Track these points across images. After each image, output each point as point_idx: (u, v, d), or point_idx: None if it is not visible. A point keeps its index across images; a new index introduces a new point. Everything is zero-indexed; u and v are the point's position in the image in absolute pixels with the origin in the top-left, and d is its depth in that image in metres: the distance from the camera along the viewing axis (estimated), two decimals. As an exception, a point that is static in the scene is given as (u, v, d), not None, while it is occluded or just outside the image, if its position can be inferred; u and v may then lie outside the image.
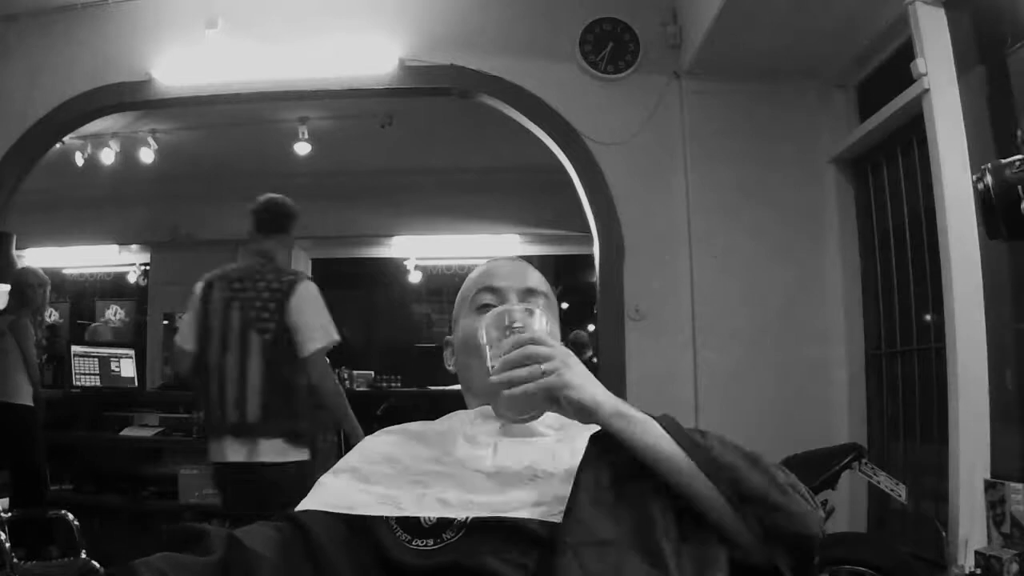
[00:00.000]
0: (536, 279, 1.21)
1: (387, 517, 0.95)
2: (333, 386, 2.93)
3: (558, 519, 0.90)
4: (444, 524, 0.93)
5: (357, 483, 1.02)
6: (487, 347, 1.02)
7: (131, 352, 5.06)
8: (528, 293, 1.17)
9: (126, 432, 4.54)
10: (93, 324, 6.83)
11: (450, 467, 1.02)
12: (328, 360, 2.90)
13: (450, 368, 1.23)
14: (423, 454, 1.06)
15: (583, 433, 0.99)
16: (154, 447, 4.47)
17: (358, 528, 0.95)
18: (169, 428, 4.48)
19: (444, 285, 8.59)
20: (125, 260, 7.91)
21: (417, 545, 0.91)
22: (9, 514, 3.18)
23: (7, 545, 2.96)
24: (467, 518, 0.92)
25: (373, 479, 1.02)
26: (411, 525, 0.94)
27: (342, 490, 1.01)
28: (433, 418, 1.20)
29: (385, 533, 0.94)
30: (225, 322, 2.76)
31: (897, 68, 3.19)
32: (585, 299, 6.96)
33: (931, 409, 3.10)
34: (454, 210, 6.88)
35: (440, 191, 6.67)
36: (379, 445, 1.11)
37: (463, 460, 1.03)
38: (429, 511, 0.94)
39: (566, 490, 0.92)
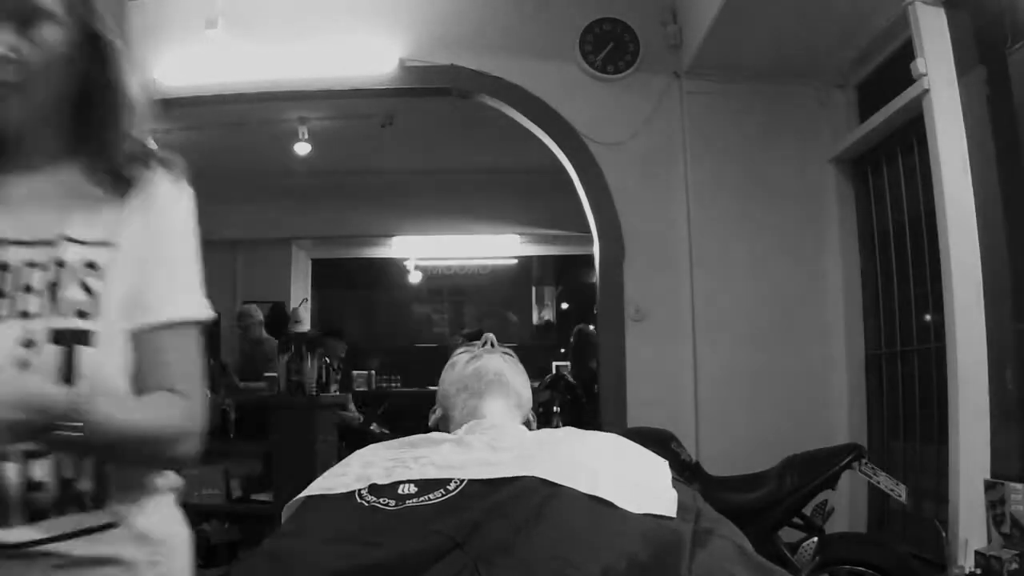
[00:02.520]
0: None
1: (359, 490, 1.01)
2: None
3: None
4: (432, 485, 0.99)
5: (338, 470, 1.11)
6: None
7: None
8: None
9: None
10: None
11: (422, 446, 1.12)
12: None
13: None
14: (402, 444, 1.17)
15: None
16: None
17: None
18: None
19: (444, 285, 8.60)
20: (125, 260, 7.90)
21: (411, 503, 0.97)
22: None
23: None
24: (462, 480, 0.98)
25: (352, 464, 1.11)
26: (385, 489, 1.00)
27: (323, 480, 1.09)
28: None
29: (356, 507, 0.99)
30: None
31: (897, 68, 3.19)
32: (585, 299, 6.96)
33: (931, 409, 3.10)
34: (454, 210, 6.88)
35: (440, 191, 6.67)
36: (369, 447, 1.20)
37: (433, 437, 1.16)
38: (405, 475, 1.02)
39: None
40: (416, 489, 0.99)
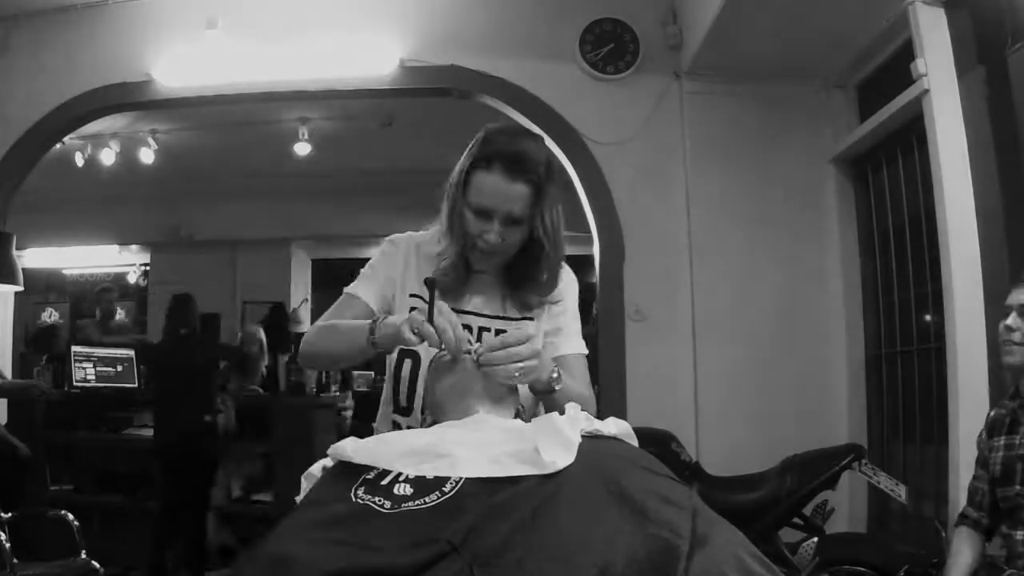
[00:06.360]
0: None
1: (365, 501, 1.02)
2: None
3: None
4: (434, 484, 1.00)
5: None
6: None
7: (131, 352, 5.05)
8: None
9: (126, 432, 4.55)
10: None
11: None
12: None
13: None
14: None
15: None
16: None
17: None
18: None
19: (444, 285, 8.59)
20: (125, 260, 7.91)
21: (410, 506, 0.97)
22: (9, 514, 3.17)
23: (7, 546, 2.95)
24: (460, 478, 0.99)
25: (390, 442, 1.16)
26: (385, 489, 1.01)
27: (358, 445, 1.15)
28: None
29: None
30: None
31: (897, 68, 3.19)
32: (585, 299, 6.96)
33: (931, 409, 3.10)
34: (454, 210, 6.87)
35: (440, 191, 6.66)
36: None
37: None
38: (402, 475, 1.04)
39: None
40: (412, 490, 0.99)
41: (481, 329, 1.51)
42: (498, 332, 1.49)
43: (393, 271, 1.59)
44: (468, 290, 1.54)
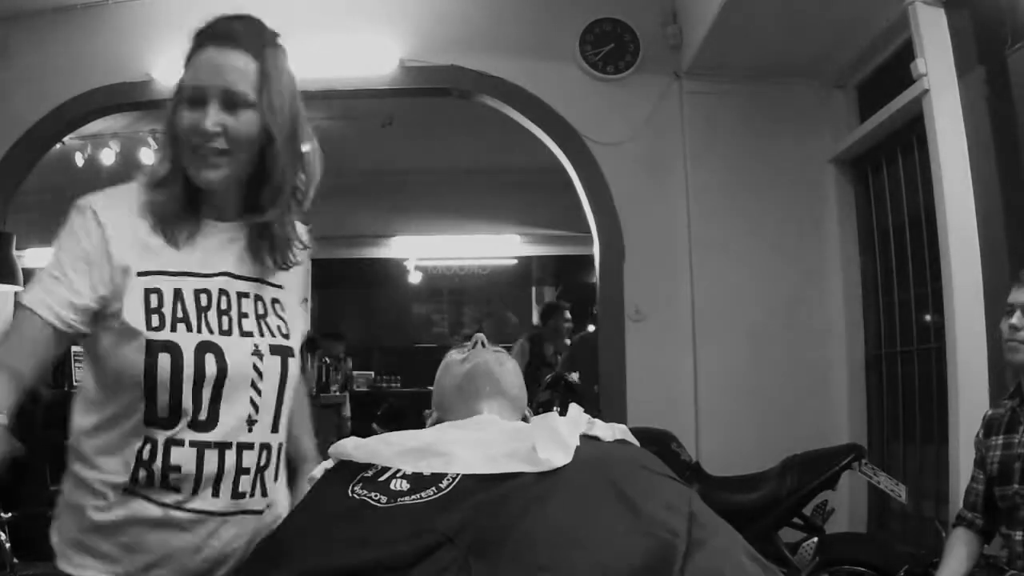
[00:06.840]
0: None
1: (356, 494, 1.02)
2: None
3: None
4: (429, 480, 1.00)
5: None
6: None
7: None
8: None
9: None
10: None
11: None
12: None
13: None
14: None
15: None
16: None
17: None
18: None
19: (444, 285, 8.60)
20: (125, 260, 7.90)
21: (407, 500, 0.98)
22: (9, 514, 3.18)
23: (7, 546, 2.96)
24: (456, 475, 1.00)
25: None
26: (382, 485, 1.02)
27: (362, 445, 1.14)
28: None
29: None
30: None
31: (897, 68, 3.19)
32: (585, 299, 6.96)
33: (931, 409, 3.10)
34: (454, 210, 6.88)
35: (440, 191, 6.67)
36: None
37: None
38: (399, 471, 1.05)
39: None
40: (408, 486, 0.99)
41: (240, 296, 1.19)
42: (263, 300, 1.21)
43: (95, 251, 1.15)
44: (207, 243, 1.19)
